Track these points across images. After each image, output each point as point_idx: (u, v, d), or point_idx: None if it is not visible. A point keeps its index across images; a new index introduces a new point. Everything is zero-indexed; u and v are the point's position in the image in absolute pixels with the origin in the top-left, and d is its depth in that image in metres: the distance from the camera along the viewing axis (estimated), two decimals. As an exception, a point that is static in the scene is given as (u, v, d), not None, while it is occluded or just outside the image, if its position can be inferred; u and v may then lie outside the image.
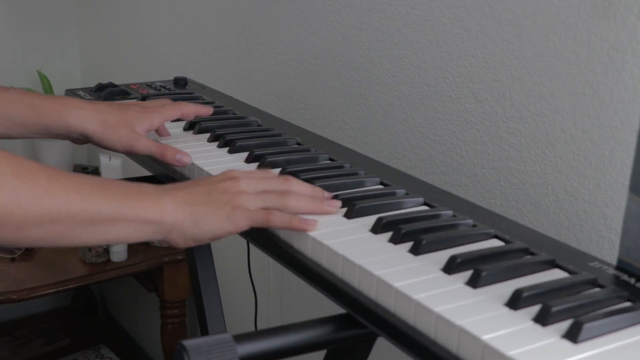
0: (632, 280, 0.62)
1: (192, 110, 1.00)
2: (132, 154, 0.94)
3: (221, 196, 0.73)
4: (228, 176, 0.76)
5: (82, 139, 0.94)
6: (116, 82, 1.26)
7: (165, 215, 0.70)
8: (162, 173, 0.96)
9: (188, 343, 0.58)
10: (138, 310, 2.44)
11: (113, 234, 0.70)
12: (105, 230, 0.69)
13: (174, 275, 1.94)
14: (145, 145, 0.91)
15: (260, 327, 1.55)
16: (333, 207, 0.74)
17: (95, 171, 2.34)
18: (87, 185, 0.69)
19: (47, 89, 2.26)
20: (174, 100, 1.03)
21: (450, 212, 0.75)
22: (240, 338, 0.60)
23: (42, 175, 0.66)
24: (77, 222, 0.67)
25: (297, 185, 0.76)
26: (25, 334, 2.43)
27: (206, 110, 1.02)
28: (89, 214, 0.67)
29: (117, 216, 0.69)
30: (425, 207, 0.78)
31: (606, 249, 0.90)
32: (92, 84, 1.30)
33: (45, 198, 0.65)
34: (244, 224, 0.72)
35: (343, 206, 0.76)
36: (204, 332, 1.15)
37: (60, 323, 2.53)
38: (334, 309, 0.65)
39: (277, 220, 0.71)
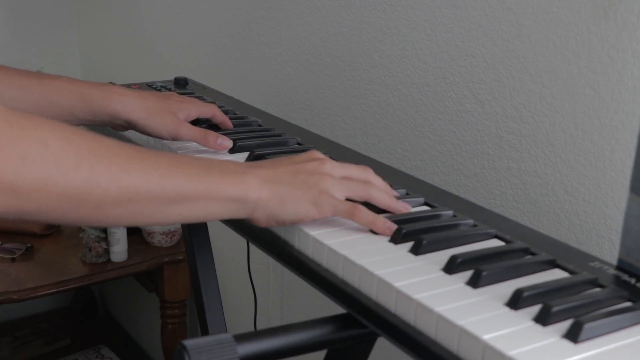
0: (633, 280, 0.62)
1: (221, 117, 1.02)
2: (176, 140, 0.96)
3: (308, 177, 0.72)
4: (313, 156, 0.75)
5: (125, 126, 0.96)
6: (116, 82, 1.26)
7: (248, 192, 0.69)
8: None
9: (188, 343, 0.58)
10: (138, 310, 2.44)
11: (196, 212, 0.69)
12: (188, 208, 0.68)
13: (174, 275, 1.95)
14: (189, 130, 0.94)
15: (260, 327, 1.55)
16: (405, 209, 0.75)
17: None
18: (167, 164, 0.68)
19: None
20: None
21: (450, 212, 0.75)
22: (241, 338, 0.60)
23: (121, 153, 0.65)
24: (157, 200, 0.66)
25: (375, 177, 0.76)
26: (26, 334, 2.44)
27: (229, 125, 1.03)
28: (168, 192, 0.67)
29: (198, 194, 0.68)
30: (425, 207, 0.78)
31: (606, 249, 0.90)
32: (92, 84, 1.30)
33: (123, 177, 0.64)
34: (329, 211, 0.71)
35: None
36: (205, 332, 1.15)
37: (60, 323, 2.53)
38: (334, 309, 0.65)
39: (362, 217, 0.70)
